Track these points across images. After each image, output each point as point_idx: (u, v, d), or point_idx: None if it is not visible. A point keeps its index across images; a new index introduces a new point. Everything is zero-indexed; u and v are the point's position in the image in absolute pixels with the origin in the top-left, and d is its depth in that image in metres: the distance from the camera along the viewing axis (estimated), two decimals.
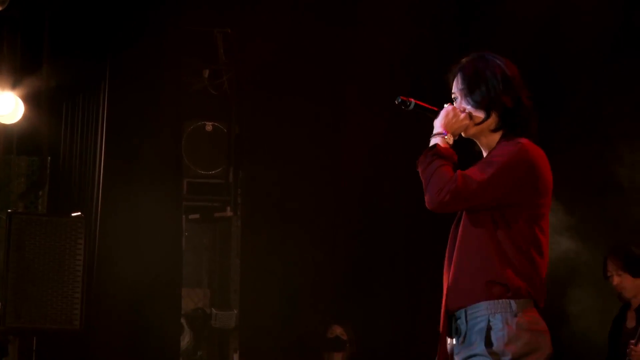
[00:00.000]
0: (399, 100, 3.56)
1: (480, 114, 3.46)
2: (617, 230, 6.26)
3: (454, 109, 3.48)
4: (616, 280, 5.76)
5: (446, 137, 3.44)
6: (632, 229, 6.39)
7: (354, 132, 7.68)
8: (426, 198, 3.36)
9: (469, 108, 3.48)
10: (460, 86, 3.52)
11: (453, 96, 3.56)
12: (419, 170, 3.43)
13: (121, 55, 7.17)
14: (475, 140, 3.56)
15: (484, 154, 3.54)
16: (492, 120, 3.47)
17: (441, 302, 3.54)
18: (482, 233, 3.37)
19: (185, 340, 7.71)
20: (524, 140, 3.40)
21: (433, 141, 3.45)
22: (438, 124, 3.47)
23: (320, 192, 7.63)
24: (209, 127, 7.76)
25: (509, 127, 3.47)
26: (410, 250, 7.71)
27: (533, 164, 3.37)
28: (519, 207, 3.36)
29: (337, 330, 7.17)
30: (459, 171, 3.34)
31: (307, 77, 7.72)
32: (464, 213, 3.45)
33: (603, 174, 6.57)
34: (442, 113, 3.48)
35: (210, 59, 7.84)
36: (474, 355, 3.35)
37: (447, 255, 3.52)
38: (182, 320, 7.58)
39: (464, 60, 3.56)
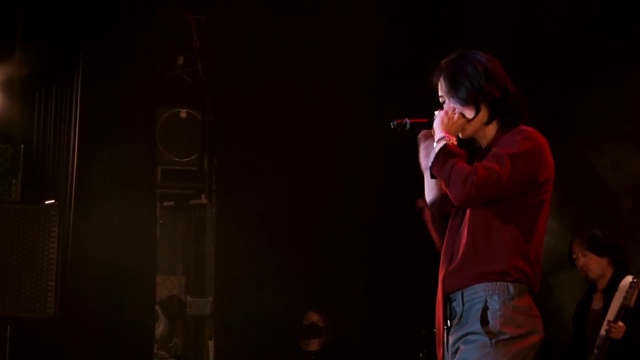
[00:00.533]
0: (395, 124, 3.58)
1: (470, 111, 3.52)
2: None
3: (446, 112, 3.52)
4: (582, 260, 5.84)
5: (449, 140, 3.48)
6: (616, 226, 6.47)
7: (329, 120, 7.67)
8: (451, 195, 3.41)
9: (458, 107, 3.52)
10: (445, 88, 3.56)
11: (441, 100, 3.61)
12: (435, 173, 3.48)
13: (94, 42, 7.12)
14: (474, 137, 3.60)
15: (484, 147, 3.59)
16: (484, 114, 3.52)
17: (433, 293, 3.59)
18: (489, 221, 3.43)
19: (160, 327, 7.70)
20: (527, 128, 3.48)
21: (438, 146, 3.48)
22: (437, 131, 3.51)
23: (295, 179, 7.63)
24: (183, 114, 7.74)
25: (502, 117, 3.53)
26: (386, 238, 7.73)
27: (542, 152, 3.45)
28: (526, 195, 3.43)
29: (313, 317, 7.19)
30: (476, 163, 3.40)
31: (282, 64, 7.72)
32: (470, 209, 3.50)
33: (585, 171, 6.63)
34: (437, 120, 3.52)
35: (185, 46, 7.82)
36: (470, 333, 3.40)
37: (445, 246, 3.57)
38: (157, 308, 7.58)
39: (443, 61, 3.60)
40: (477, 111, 3.51)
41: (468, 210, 3.48)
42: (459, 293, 3.46)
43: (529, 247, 3.44)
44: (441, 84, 3.58)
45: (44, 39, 7.13)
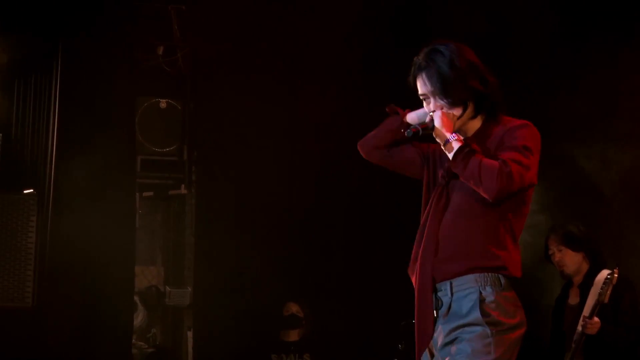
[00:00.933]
0: (410, 133, 3.55)
1: (458, 108, 3.52)
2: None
3: (442, 112, 3.52)
4: (557, 256, 5.87)
5: (458, 139, 3.48)
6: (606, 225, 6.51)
7: (310, 111, 7.68)
8: (484, 191, 3.38)
9: (445, 106, 3.52)
10: (428, 87, 3.54)
11: (422, 97, 3.60)
12: (459, 172, 3.45)
13: (74, 31, 7.07)
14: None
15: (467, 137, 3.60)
16: (471, 109, 3.55)
17: (411, 277, 3.58)
18: (481, 211, 3.45)
19: (139, 318, 7.69)
20: (528, 122, 3.52)
21: (452, 146, 3.47)
22: (442, 133, 3.50)
23: (275, 169, 7.63)
24: (163, 104, 7.72)
25: (487, 110, 3.56)
26: (365, 229, 7.75)
27: (540, 147, 3.51)
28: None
29: (293, 308, 7.19)
30: (501, 157, 3.40)
31: (262, 54, 7.71)
32: (451, 188, 3.52)
33: (573, 170, 6.67)
34: (438, 122, 3.51)
35: (165, 35, 7.79)
36: (470, 325, 3.40)
37: (427, 233, 3.53)
38: (136, 298, 7.56)
39: (420, 58, 3.57)
40: (465, 108, 3.53)
41: (453, 198, 3.50)
42: (447, 283, 3.47)
43: (516, 237, 3.50)
44: (422, 82, 3.56)
45: (23, 28, 7.07)
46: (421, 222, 3.59)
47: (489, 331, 3.36)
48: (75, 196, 6.89)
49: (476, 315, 3.39)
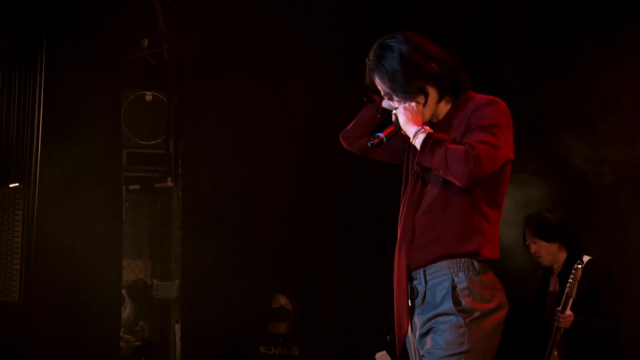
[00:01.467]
0: (374, 144, 3.50)
1: (420, 98, 3.46)
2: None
3: (404, 107, 3.47)
4: (533, 248, 5.87)
5: (425, 130, 3.42)
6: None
7: (294, 103, 7.67)
8: (454, 178, 3.33)
9: (405, 97, 3.47)
10: (384, 87, 3.51)
11: (386, 97, 3.56)
12: (427, 165, 3.40)
13: (58, 23, 7.05)
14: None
15: (438, 120, 3.56)
16: (434, 94, 3.48)
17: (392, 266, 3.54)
18: (453, 196, 3.40)
19: (127, 311, 7.67)
20: (496, 98, 3.45)
21: (419, 139, 3.41)
22: (409, 127, 3.45)
23: (261, 162, 7.62)
24: (148, 96, 7.69)
25: (450, 90, 3.51)
26: (350, 219, 7.74)
27: (511, 122, 3.45)
28: (498, 169, 3.42)
29: (282, 300, 7.18)
30: (467, 140, 3.34)
31: (248, 47, 7.69)
32: (426, 176, 3.48)
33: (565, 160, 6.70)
34: (402, 119, 3.46)
35: (150, 28, 7.76)
36: (443, 314, 3.37)
37: (403, 223, 3.50)
38: (123, 291, 7.54)
39: (370, 59, 3.52)
40: (426, 95, 3.47)
41: (428, 185, 3.46)
42: (421, 271, 3.44)
43: (495, 220, 3.45)
44: (378, 82, 3.53)
45: (6, 20, 7.04)
46: (400, 207, 3.56)
47: (462, 321, 3.32)
48: (61, 190, 6.88)
49: (448, 305, 3.35)
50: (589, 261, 5.62)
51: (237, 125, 7.59)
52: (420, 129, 3.42)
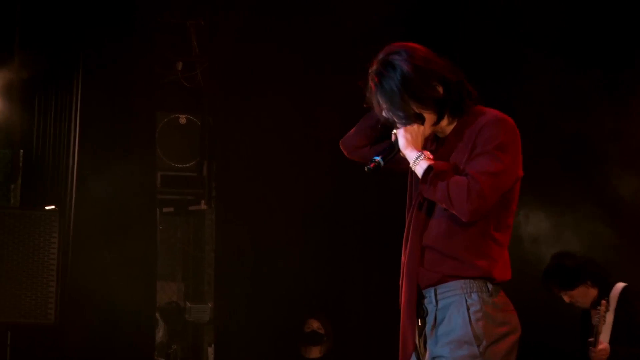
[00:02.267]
0: (369, 168, 3.36)
1: (417, 121, 3.35)
2: None
3: (405, 129, 3.35)
4: (567, 299, 5.78)
5: (425, 156, 3.32)
6: None
7: (327, 124, 7.66)
8: (458, 214, 3.23)
9: (402, 120, 3.36)
10: (383, 106, 3.38)
11: (384, 113, 3.43)
12: (429, 196, 3.30)
13: (94, 46, 7.10)
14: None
15: (440, 137, 3.46)
16: (431, 117, 3.37)
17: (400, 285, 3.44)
18: (460, 218, 3.28)
19: (160, 333, 7.67)
20: (502, 116, 3.33)
21: (420, 166, 3.30)
22: (408, 151, 3.34)
23: (295, 185, 7.61)
24: (182, 119, 7.72)
25: (451, 110, 3.38)
26: (384, 243, 7.71)
27: (520, 143, 3.34)
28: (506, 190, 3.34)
29: (314, 324, 7.16)
30: (470, 171, 3.23)
31: (281, 69, 7.70)
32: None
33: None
34: (402, 141, 3.35)
35: (184, 51, 7.80)
36: (457, 342, 3.26)
37: (411, 239, 3.40)
38: (156, 314, 7.54)
39: (372, 74, 3.40)
40: (423, 120, 3.35)
41: (435, 207, 3.35)
42: (432, 290, 3.34)
43: (505, 240, 3.36)
44: (378, 99, 3.39)
45: (44, 43, 7.11)
46: (405, 228, 3.45)
47: (477, 350, 3.23)
48: (96, 212, 6.90)
49: (463, 331, 3.25)
50: (623, 288, 5.56)
51: (269, 147, 7.60)
52: (420, 156, 3.31)
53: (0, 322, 6.17)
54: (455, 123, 3.41)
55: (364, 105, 3.60)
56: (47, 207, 6.43)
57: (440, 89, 3.34)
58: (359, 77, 7.50)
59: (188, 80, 7.81)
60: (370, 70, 3.41)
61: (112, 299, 6.87)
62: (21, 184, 7.17)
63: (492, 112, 3.36)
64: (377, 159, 3.36)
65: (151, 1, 7.41)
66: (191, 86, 7.82)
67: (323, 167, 7.70)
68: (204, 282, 7.89)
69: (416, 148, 3.33)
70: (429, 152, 3.33)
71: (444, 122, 3.40)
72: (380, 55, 3.41)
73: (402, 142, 3.35)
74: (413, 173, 3.46)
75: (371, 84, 3.40)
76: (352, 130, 3.68)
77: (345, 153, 3.72)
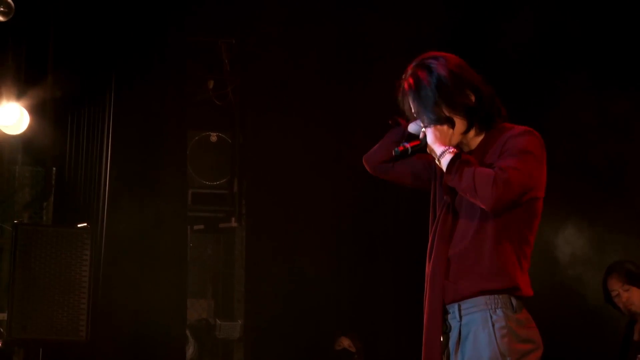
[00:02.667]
0: (397, 152, 3.46)
1: (446, 126, 3.39)
2: None
3: (434, 127, 3.39)
4: (625, 296, 5.74)
5: (451, 150, 3.35)
6: None
7: (359, 142, 7.66)
8: (481, 201, 3.24)
9: (432, 123, 3.40)
10: (415, 107, 3.44)
11: (415, 114, 3.48)
12: (454, 185, 3.32)
13: (126, 65, 7.16)
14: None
15: (469, 151, 3.48)
16: (461, 125, 3.41)
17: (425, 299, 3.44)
18: (492, 229, 3.31)
19: (190, 351, 7.68)
20: (530, 129, 3.37)
21: (445, 159, 3.35)
22: (436, 146, 3.38)
23: (325, 203, 7.63)
24: (213, 137, 7.76)
25: (480, 121, 3.42)
26: (415, 260, 7.68)
27: (545, 156, 3.37)
28: (530, 202, 3.34)
29: (345, 342, 7.15)
30: (499, 164, 3.26)
31: (311, 87, 7.73)
32: (457, 207, 3.39)
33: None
34: (430, 137, 3.39)
35: (215, 69, 7.85)
36: (481, 359, 3.26)
37: (435, 254, 3.41)
38: (187, 331, 7.56)
39: (407, 75, 3.47)
40: (453, 125, 3.39)
41: (460, 217, 3.37)
42: (455, 305, 3.35)
43: (527, 256, 3.37)
44: (410, 101, 3.45)
45: (77, 62, 7.18)
46: (429, 240, 3.47)
47: None
48: (128, 229, 6.94)
49: (488, 348, 3.25)
50: None
51: (300, 165, 7.62)
52: (447, 149, 3.35)
53: (32, 339, 6.20)
54: (482, 137, 3.44)
55: (389, 122, 3.63)
56: (79, 225, 6.47)
57: (473, 98, 3.39)
58: (390, 94, 7.53)
59: (219, 99, 7.86)
60: (405, 72, 3.48)
61: (143, 316, 6.89)
62: (53, 202, 7.24)
63: (520, 127, 3.40)
64: (406, 144, 3.44)
65: (182, 20, 7.46)
66: (222, 104, 7.87)
67: (353, 184, 7.71)
68: (234, 299, 7.90)
69: (443, 144, 3.37)
70: (454, 148, 3.36)
71: (472, 134, 3.44)
72: (416, 61, 3.47)
73: (430, 138, 3.40)
74: (437, 181, 3.51)
75: (405, 84, 3.46)
76: (376, 145, 3.72)
77: (367, 168, 3.75)
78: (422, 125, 3.47)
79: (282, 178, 7.64)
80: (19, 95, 7.05)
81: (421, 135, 3.46)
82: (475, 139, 3.46)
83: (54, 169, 7.31)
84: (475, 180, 3.23)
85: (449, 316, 3.37)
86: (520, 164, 3.25)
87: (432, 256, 3.41)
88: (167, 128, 7.27)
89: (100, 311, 6.68)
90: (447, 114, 3.38)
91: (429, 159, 3.58)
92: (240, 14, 7.79)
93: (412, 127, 3.56)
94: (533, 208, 3.37)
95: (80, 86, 7.24)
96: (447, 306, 3.36)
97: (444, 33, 7.35)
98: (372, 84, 7.71)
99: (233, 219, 7.80)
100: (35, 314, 6.19)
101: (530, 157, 3.29)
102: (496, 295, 3.29)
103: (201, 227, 7.92)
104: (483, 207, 3.25)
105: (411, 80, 3.43)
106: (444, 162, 3.35)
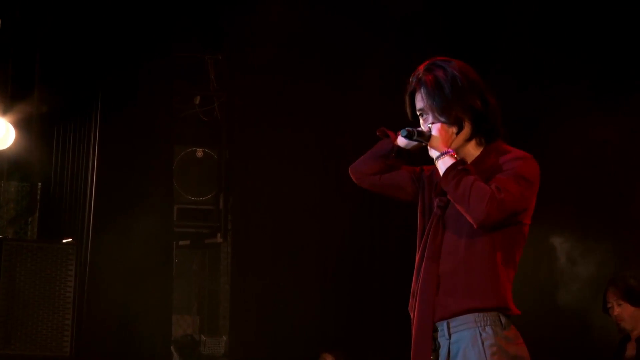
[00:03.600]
0: (405, 133, 3.37)
1: (454, 126, 3.36)
2: None
3: (442, 125, 3.36)
4: (617, 310, 5.74)
5: (451, 154, 3.33)
6: None
7: (346, 158, 7.66)
8: (470, 214, 3.22)
9: (442, 121, 3.36)
10: (427, 102, 3.39)
11: (420, 113, 3.44)
12: (449, 190, 3.28)
13: (113, 80, 7.17)
14: None
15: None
16: (467, 130, 3.38)
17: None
18: (482, 247, 3.29)
19: None
20: (527, 154, 3.35)
21: (445, 161, 3.31)
22: (438, 145, 3.34)
23: (311, 219, 7.62)
24: (199, 153, 7.76)
25: (484, 133, 3.40)
26: (401, 276, 7.69)
27: (538, 180, 3.35)
28: (520, 222, 3.34)
29: (328, 359, 7.14)
30: (495, 183, 3.24)
31: (298, 103, 7.74)
32: (449, 221, 3.36)
33: None
34: (435, 134, 3.35)
35: (202, 85, 7.87)
36: None
37: (424, 271, 3.36)
38: (171, 347, 7.55)
39: (420, 72, 3.43)
40: (461, 127, 3.37)
41: (450, 233, 3.34)
42: (444, 323, 3.31)
43: (513, 274, 3.34)
44: (421, 97, 3.41)
45: (63, 77, 7.19)
46: (417, 255, 3.43)
47: None
48: (113, 245, 6.93)
49: None
50: None
51: (286, 181, 7.62)
52: (447, 152, 3.32)
53: (16, 354, 6.18)
54: (479, 152, 3.42)
55: (377, 134, 3.62)
56: (64, 240, 6.47)
57: (479, 103, 3.36)
58: (378, 111, 7.53)
59: (205, 114, 7.87)
60: (416, 72, 3.44)
61: (128, 331, 6.89)
62: (39, 217, 7.23)
63: (519, 151, 3.38)
64: (412, 129, 3.38)
65: (169, 36, 7.48)
66: (208, 120, 7.88)
67: (340, 200, 7.71)
68: (219, 315, 7.90)
69: (445, 145, 3.34)
70: (455, 153, 3.34)
71: (472, 144, 3.42)
72: (428, 62, 3.45)
73: (435, 132, 3.35)
74: (429, 192, 3.47)
75: (415, 82, 3.41)
76: (363, 156, 3.66)
77: (353, 179, 3.68)
78: (425, 127, 3.41)
79: (268, 194, 7.64)
80: (5, 110, 7.05)
81: (426, 129, 3.41)
82: (472, 152, 3.43)
83: (40, 184, 7.31)
84: (472, 191, 3.21)
85: (438, 334, 3.34)
86: (516, 188, 3.24)
87: (422, 272, 3.38)
88: (153, 143, 7.28)
89: (84, 327, 6.68)
90: (458, 114, 3.35)
91: (416, 170, 3.58)
92: (227, 30, 7.80)
93: (401, 140, 3.52)
94: (521, 232, 3.36)
95: (67, 101, 7.25)
96: (436, 324, 3.33)
97: (431, 50, 7.37)
98: (359, 101, 7.73)
99: (219, 234, 7.80)
100: (20, 329, 6.17)
101: (526, 184, 3.27)
102: (485, 313, 3.27)
103: (187, 242, 7.92)
104: (470, 219, 3.24)
105: (429, 77, 3.38)
106: (442, 164, 3.32)
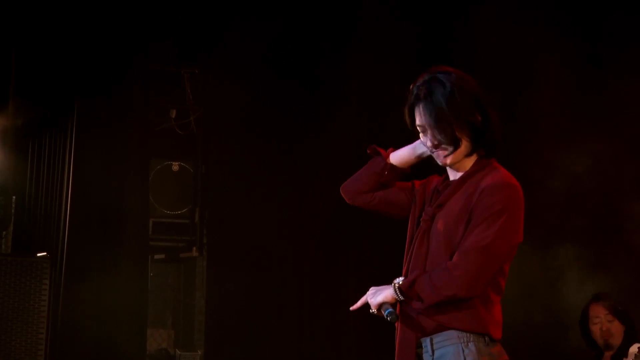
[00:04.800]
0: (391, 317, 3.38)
1: (452, 144, 3.31)
2: None
3: (381, 292, 3.42)
4: (606, 325, 5.75)
5: (397, 285, 3.35)
6: None
7: (322, 172, 7.69)
8: (453, 295, 3.24)
9: (439, 139, 3.32)
10: (425, 120, 3.33)
11: (419, 128, 3.39)
12: (423, 303, 3.30)
13: (88, 94, 7.15)
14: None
15: (451, 178, 3.43)
16: (466, 145, 3.33)
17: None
18: None
19: None
20: (510, 181, 3.30)
21: (391, 295, 3.38)
22: (382, 298, 3.43)
23: (287, 233, 7.62)
24: (175, 166, 7.75)
25: (484, 147, 3.37)
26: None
27: (522, 205, 3.31)
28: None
29: None
30: (460, 249, 3.24)
31: (274, 118, 7.74)
32: (434, 235, 3.35)
33: None
34: (380, 300, 3.42)
35: (178, 99, 7.86)
36: None
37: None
38: None
39: (418, 86, 3.37)
40: (458, 146, 3.32)
41: (434, 246, 3.32)
42: (427, 339, 3.31)
43: (498, 299, 3.33)
44: (419, 114, 3.35)
45: (38, 90, 7.15)
46: (404, 268, 3.43)
47: None
48: (88, 259, 6.90)
49: None
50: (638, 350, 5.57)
51: (262, 196, 7.61)
52: (395, 290, 3.36)
53: None
54: (471, 165, 3.37)
55: (368, 152, 3.61)
56: (38, 254, 6.43)
57: (479, 118, 3.31)
58: (357, 126, 7.50)
59: (181, 128, 7.86)
60: (414, 84, 3.39)
61: (103, 345, 6.85)
62: (13, 231, 7.18)
63: (500, 174, 3.32)
64: (393, 313, 3.36)
65: (145, 49, 7.46)
66: (184, 133, 7.87)
67: (317, 214, 7.71)
68: (194, 329, 7.87)
69: (387, 297, 3.39)
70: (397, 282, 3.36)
71: (468, 160, 3.38)
72: (428, 75, 3.38)
73: (379, 298, 3.42)
74: (421, 204, 3.47)
75: (420, 93, 3.34)
76: (355, 175, 3.65)
77: (346, 198, 3.67)
78: (424, 140, 3.41)
79: (244, 208, 7.62)
80: None
81: (426, 144, 3.40)
82: (466, 166, 3.38)
83: (14, 197, 7.25)
84: (434, 286, 3.24)
85: (422, 350, 3.34)
86: (484, 236, 3.21)
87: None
88: (129, 156, 7.25)
89: (59, 341, 6.65)
90: (456, 132, 3.30)
91: (409, 186, 3.57)
92: (204, 44, 7.80)
93: (394, 158, 3.54)
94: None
95: (42, 114, 7.22)
96: (420, 339, 3.34)
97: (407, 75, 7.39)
98: (336, 115, 7.74)
99: (194, 248, 7.78)
100: None
101: (500, 219, 3.22)
102: (469, 331, 3.26)
103: (162, 256, 7.89)
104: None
105: (425, 91, 3.33)
106: (399, 295, 3.35)
